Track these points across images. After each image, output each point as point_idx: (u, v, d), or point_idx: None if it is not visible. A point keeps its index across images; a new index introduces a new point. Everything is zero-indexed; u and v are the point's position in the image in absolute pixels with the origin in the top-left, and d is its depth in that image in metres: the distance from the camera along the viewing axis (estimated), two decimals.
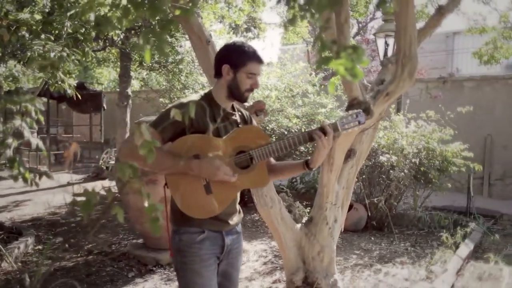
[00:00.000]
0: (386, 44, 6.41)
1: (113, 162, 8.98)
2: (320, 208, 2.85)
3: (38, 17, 3.66)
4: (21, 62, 4.74)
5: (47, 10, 3.95)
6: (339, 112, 6.03)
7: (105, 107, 11.39)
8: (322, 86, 6.38)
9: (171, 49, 6.33)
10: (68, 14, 3.60)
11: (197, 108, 1.69)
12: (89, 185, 7.65)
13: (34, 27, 3.66)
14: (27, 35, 3.65)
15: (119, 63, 8.19)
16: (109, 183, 7.92)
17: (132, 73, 8.13)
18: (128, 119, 7.98)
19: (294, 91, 5.83)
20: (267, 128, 5.52)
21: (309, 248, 2.86)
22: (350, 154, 2.79)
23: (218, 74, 1.82)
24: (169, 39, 5.97)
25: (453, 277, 3.81)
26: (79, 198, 1.18)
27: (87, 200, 1.17)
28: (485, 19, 6.18)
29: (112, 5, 1.62)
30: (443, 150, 5.43)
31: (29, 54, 3.50)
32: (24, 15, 3.58)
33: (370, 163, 5.34)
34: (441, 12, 3.13)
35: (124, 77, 7.88)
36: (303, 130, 5.06)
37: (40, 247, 4.42)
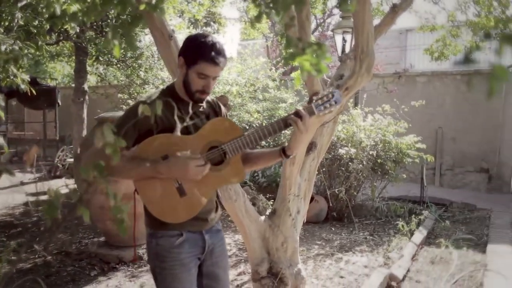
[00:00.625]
0: (344, 40, 6.59)
1: (70, 160, 8.70)
2: (283, 200, 2.92)
3: None
4: None
5: None
6: (299, 106, 6.14)
7: (60, 103, 10.97)
8: (282, 81, 6.48)
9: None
10: (19, 5, 3.45)
11: (160, 105, 1.62)
12: (45, 185, 7.37)
13: None
14: None
15: (74, 58, 7.92)
16: (66, 182, 7.67)
17: (88, 68, 7.89)
18: (85, 115, 7.74)
19: (255, 86, 5.89)
20: None
21: (273, 239, 2.93)
22: (311, 147, 2.87)
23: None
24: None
25: (408, 262, 4.02)
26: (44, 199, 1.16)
27: (51, 203, 1.15)
28: (435, 18, 6.50)
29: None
30: (398, 143, 5.68)
31: None
32: None
33: (330, 155, 5.50)
34: (395, 10, 3.28)
35: (80, 72, 7.63)
36: (264, 125, 5.14)
37: None
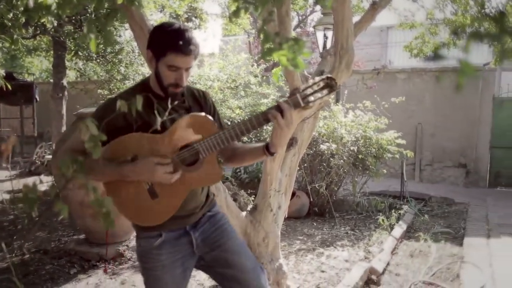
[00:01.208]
0: (325, 36, 6.64)
1: (48, 156, 8.53)
2: (264, 196, 2.93)
3: None
4: None
5: None
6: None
7: (38, 99, 10.75)
8: (264, 77, 6.48)
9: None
10: None
11: (130, 102, 1.51)
12: (23, 182, 7.22)
13: None
14: None
15: (52, 52, 7.76)
16: (44, 179, 7.53)
17: (67, 63, 7.74)
18: (64, 111, 7.60)
19: (236, 82, 5.88)
20: None
21: (255, 234, 2.94)
22: (292, 142, 2.89)
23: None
24: (107, 28, 5.76)
25: (388, 256, 4.09)
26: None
27: (27, 197, 1.13)
28: (414, 15, 6.61)
29: None
30: (378, 138, 5.76)
31: None
32: None
33: (311, 151, 5.54)
34: (374, 7, 3.31)
35: (59, 67, 7.48)
36: (241, 121, 5.14)
37: None
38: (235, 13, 1.25)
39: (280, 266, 2.94)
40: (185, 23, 8.60)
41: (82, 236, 4.34)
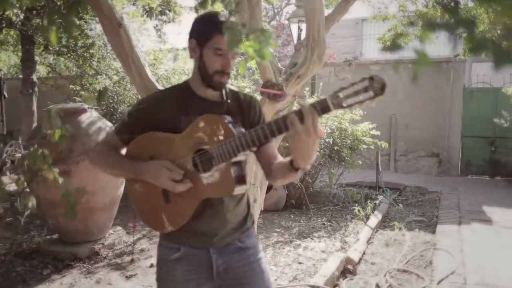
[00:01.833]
0: (300, 29, 6.64)
1: (18, 155, 8.29)
2: None
3: None
4: None
5: None
6: (257, 96, 6.15)
7: (6, 95, 10.39)
8: (239, 70, 6.44)
9: (80, 32, 5.94)
10: None
11: (165, 101, 1.45)
12: None
13: None
14: None
15: (20, 47, 7.51)
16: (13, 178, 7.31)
17: (36, 58, 7.50)
18: (34, 107, 7.38)
19: None
20: None
21: None
22: None
23: (190, 54, 1.48)
24: (78, 22, 5.60)
25: (364, 246, 4.15)
26: None
27: None
28: (387, 8, 6.68)
29: None
30: (354, 130, 5.82)
31: None
32: None
33: (287, 144, 5.55)
34: None
35: (28, 62, 7.25)
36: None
37: None
38: (202, 4, 1.23)
39: None
40: (159, 17, 8.46)
41: (55, 236, 4.24)
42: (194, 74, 1.48)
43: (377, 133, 5.92)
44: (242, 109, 1.51)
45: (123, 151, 1.54)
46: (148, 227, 1.56)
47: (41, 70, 10.05)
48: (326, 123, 5.71)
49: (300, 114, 1.20)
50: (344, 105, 1.19)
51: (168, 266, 1.51)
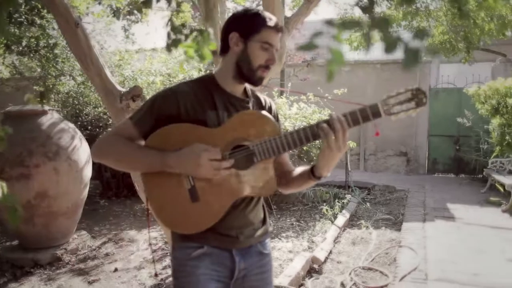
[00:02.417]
0: None
1: None
2: None
3: None
4: None
5: None
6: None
7: None
8: (208, 71, 6.42)
9: (42, 31, 5.76)
10: None
11: (190, 93, 1.35)
12: None
13: None
14: None
15: None
16: None
17: None
18: None
19: (179, 77, 5.77)
20: None
21: None
22: None
23: (224, 48, 1.39)
24: (39, 21, 5.44)
25: (330, 245, 4.20)
26: None
27: None
28: (353, 9, 6.77)
29: None
30: None
31: None
32: None
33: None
34: (309, 0, 3.36)
35: None
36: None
37: None
38: (145, 4, 1.20)
39: None
40: (127, 17, 8.32)
41: (15, 242, 4.11)
42: (224, 68, 1.40)
43: None
44: (262, 104, 1.51)
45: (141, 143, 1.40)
46: (168, 228, 1.40)
47: (3, 71, 9.71)
48: (295, 123, 5.74)
49: (331, 124, 1.25)
50: (393, 112, 1.26)
51: (188, 266, 1.39)
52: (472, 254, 4.04)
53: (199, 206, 1.32)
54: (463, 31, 5.69)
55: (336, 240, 4.45)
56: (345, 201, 5.77)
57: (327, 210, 5.18)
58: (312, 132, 1.28)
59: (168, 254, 3.95)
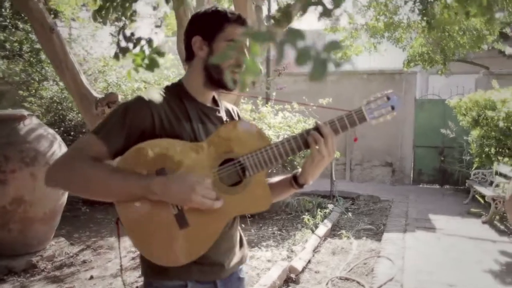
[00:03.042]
0: None
1: None
2: None
3: None
4: None
5: None
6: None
7: None
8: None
9: (25, 36, 5.74)
10: None
11: (163, 103, 1.20)
12: None
13: None
14: None
15: None
16: None
17: None
18: None
19: (164, 84, 5.78)
20: None
21: None
22: None
23: (189, 55, 1.29)
24: (21, 25, 5.42)
25: (309, 254, 4.19)
26: None
27: None
28: (338, 19, 6.86)
29: None
30: None
31: None
32: None
33: None
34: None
35: None
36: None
37: None
38: (99, 11, 1.21)
39: None
40: (115, 23, 8.31)
41: None
42: (192, 76, 1.28)
43: None
44: (231, 114, 1.42)
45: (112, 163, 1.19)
46: (155, 262, 1.18)
47: None
48: (279, 132, 5.76)
49: (319, 131, 1.23)
50: (376, 114, 1.29)
51: None
52: (449, 265, 4.07)
53: (189, 233, 1.16)
54: (440, 44, 5.79)
55: (316, 250, 4.44)
56: (327, 210, 5.78)
57: (308, 219, 5.18)
58: (303, 141, 1.23)
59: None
